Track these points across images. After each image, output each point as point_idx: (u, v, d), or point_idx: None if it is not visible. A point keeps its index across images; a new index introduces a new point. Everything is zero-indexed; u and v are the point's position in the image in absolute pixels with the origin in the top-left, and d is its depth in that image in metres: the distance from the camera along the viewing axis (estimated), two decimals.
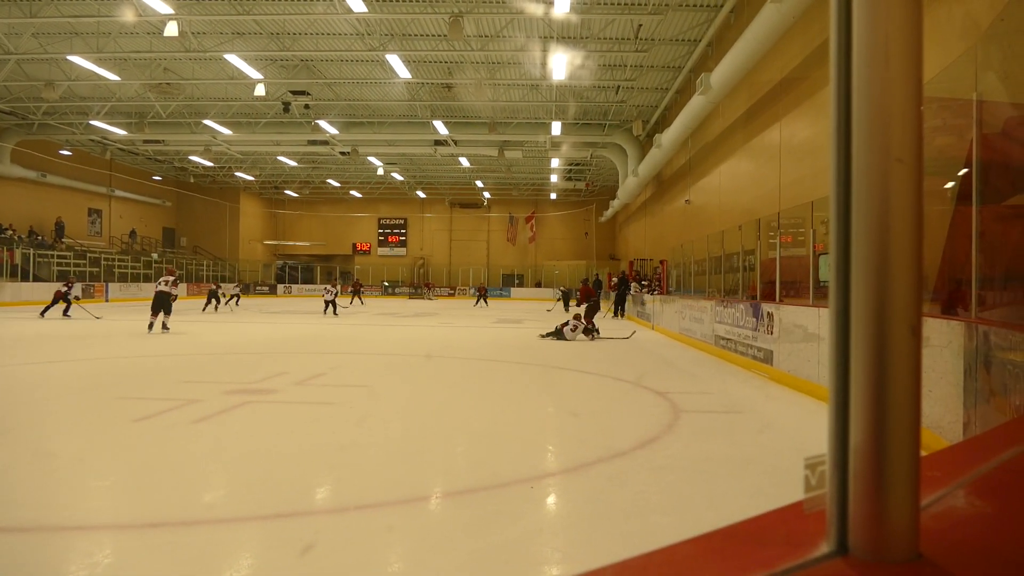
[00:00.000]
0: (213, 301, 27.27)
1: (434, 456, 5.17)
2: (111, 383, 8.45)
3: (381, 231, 52.79)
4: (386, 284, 49.23)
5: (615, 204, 36.06)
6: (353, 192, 49.43)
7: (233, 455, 5.13)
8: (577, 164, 38.74)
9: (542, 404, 7.64)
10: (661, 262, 24.55)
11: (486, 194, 49.38)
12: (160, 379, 8.86)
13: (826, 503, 0.93)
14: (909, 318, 0.92)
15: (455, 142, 31.18)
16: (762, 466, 4.96)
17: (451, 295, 48.00)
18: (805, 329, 8.27)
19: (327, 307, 24.98)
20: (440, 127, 28.24)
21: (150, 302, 16.01)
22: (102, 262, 35.87)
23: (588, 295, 18.47)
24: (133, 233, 42.54)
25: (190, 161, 39.94)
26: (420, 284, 48.40)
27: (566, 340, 14.81)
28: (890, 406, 0.90)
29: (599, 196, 45.48)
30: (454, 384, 9.00)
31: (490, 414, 6.90)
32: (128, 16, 18.50)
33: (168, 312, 15.38)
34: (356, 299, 36.27)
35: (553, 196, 48.50)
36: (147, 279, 38.99)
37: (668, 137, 21.66)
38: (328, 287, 25.82)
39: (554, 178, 41.88)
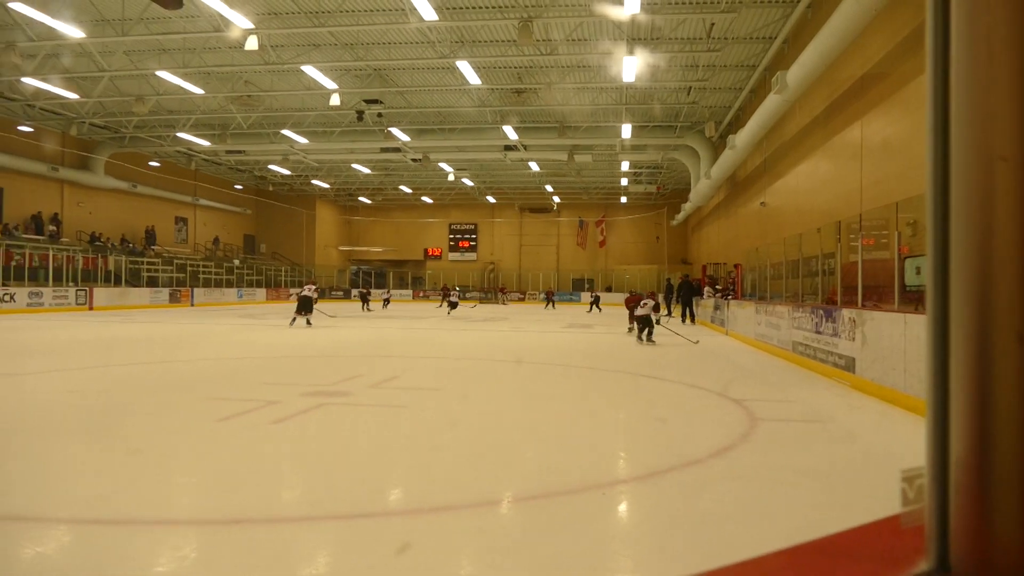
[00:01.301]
0: (365, 303, 32.77)
1: (506, 460, 5.13)
2: (197, 384, 8.70)
3: (452, 236, 53.44)
4: (457, 289, 49.88)
5: (687, 207, 35.43)
6: (424, 198, 50.12)
7: (312, 456, 5.22)
8: (648, 167, 38.19)
9: (615, 410, 7.49)
10: (735, 266, 24.01)
11: (556, 198, 49.26)
12: (242, 381, 9.11)
13: (925, 517, 0.89)
14: (1015, 325, 0.87)
15: (525, 147, 31.22)
16: (844, 478, 4.78)
17: (521, 300, 48.13)
18: (890, 336, 7.94)
19: (451, 308, 29.81)
20: (510, 132, 28.24)
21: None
22: (188, 268, 37.34)
23: (634, 303, 18.40)
24: (216, 240, 44.19)
25: (269, 170, 41.20)
26: (493, 288, 48.48)
27: (651, 333, 15.08)
28: (995, 417, 0.86)
29: (671, 199, 44.66)
30: (526, 388, 8.95)
31: (563, 419, 6.79)
32: (211, 31, 19.31)
33: (311, 312, 18.80)
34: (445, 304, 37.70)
35: (624, 200, 47.99)
36: (229, 284, 40.50)
37: (742, 138, 21.15)
38: (455, 289, 33.27)
39: (624, 181, 41.40)
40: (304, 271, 49.36)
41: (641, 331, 15.03)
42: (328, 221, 52.45)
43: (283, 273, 46.88)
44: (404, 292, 50.54)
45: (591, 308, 34.15)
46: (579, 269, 50.66)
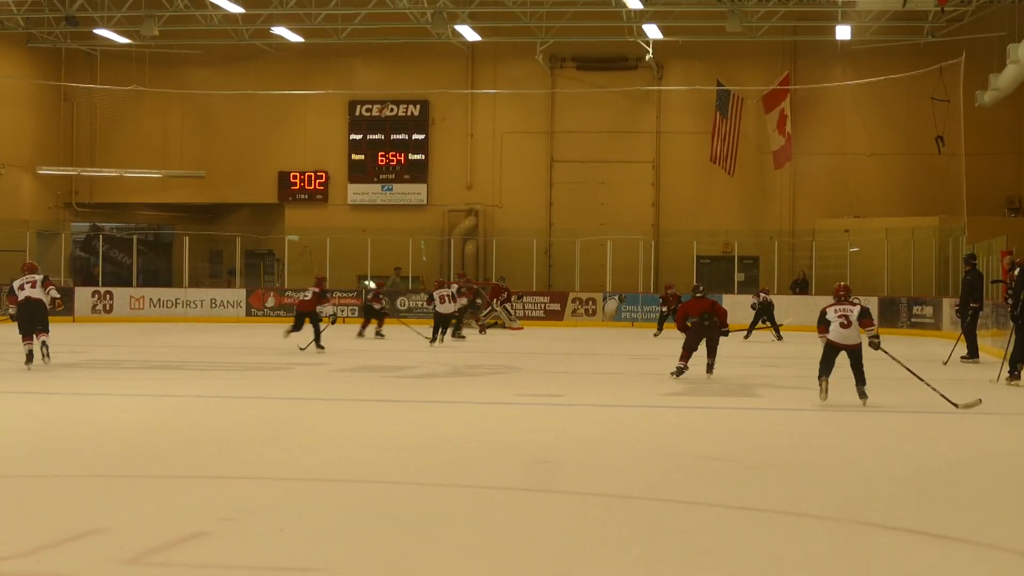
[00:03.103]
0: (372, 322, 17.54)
1: None
2: None
3: (357, 138, 25.08)
4: (370, 283, 22.23)
5: (1020, 52, 17.06)
6: (280, 30, 22.80)
7: None
8: None
9: None
10: None
11: (651, 31, 22.02)
12: None
13: None
14: None
15: None
16: None
17: (556, 315, 22.25)
18: None
19: (365, 325, 17.04)
20: None
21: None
22: None
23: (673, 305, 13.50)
24: None
25: None
26: (478, 285, 21.25)
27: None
28: None
29: (970, 33, 20.88)
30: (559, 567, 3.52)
31: None
32: None
33: (46, 328, 11.74)
34: (375, 322, 17.30)
35: (842, 34, 22.13)
36: None
37: None
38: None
39: None
40: None
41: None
42: (11, 99, 24.31)
43: None
44: (234, 298, 23.17)
45: (749, 332, 17.42)
46: (713, 227, 23.78)
